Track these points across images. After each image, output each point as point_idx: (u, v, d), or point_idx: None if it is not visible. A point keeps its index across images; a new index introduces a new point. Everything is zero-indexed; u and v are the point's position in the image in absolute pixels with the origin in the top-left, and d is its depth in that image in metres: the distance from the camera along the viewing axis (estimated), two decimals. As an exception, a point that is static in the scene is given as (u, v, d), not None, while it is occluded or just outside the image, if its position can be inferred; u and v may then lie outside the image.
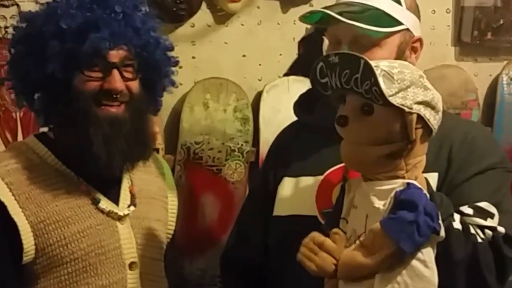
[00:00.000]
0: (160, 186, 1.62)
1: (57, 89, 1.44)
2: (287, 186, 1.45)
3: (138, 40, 1.44)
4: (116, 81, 1.41)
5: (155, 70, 1.51)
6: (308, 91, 1.57)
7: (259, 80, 2.26)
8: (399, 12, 1.39)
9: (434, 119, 1.18)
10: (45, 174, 1.45)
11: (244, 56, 2.25)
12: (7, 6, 2.08)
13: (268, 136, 2.06)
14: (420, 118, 1.16)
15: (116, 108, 1.43)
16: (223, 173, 2.18)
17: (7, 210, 1.39)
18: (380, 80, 1.12)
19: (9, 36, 2.07)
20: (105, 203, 1.47)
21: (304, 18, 1.43)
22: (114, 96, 1.42)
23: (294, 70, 2.25)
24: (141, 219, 1.52)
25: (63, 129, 1.48)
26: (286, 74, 2.25)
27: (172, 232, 1.62)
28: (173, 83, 1.58)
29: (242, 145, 2.19)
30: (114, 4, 1.42)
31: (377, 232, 1.12)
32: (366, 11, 1.36)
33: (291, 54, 2.26)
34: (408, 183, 1.15)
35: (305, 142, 1.48)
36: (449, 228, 1.18)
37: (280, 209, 1.45)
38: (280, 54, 2.26)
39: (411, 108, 1.14)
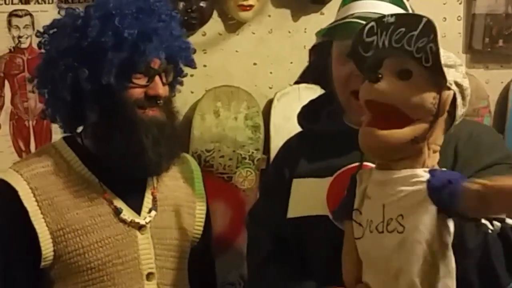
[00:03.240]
0: (188, 191, 1.61)
1: (103, 98, 1.43)
2: (296, 187, 1.46)
3: (174, 47, 1.48)
4: (159, 87, 1.45)
5: (178, 74, 1.56)
6: (310, 102, 1.58)
7: (270, 88, 2.26)
8: None
9: (461, 109, 1.18)
10: (70, 180, 1.46)
11: (255, 64, 2.26)
12: (20, 16, 2.10)
13: (279, 144, 2.06)
14: (452, 100, 1.16)
15: (154, 111, 1.45)
16: (234, 180, 2.19)
17: (28, 216, 1.41)
18: (438, 38, 1.11)
19: (23, 46, 2.10)
20: (127, 213, 1.47)
21: (325, 31, 1.43)
22: (158, 101, 1.45)
23: (305, 78, 2.24)
24: (162, 228, 1.52)
25: (104, 137, 1.46)
26: (296, 82, 2.25)
27: (198, 237, 1.61)
28: (180, 83, 1.61)
29: (253, 152, 2.19)
30: (160, 13, 1.45)
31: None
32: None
33: (302, 62, 2.24)
34: (430, 170, 1.15)
35: (313, 148, 1.48)
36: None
37: (292, 211, 1.45)
38: (291, 62, 2.26)
39: (450, 84, 1.15)
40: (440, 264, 1.13)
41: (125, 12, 1.42)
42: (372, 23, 1.19)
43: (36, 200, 1.42)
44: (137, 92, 1.44)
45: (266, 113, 2.22)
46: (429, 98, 1.14)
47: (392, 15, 1.18)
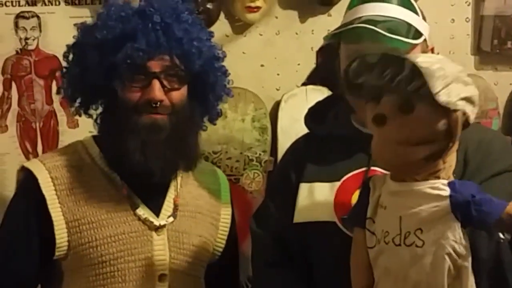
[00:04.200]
0: (213, 202, 1.60)
1: (103, 98, 1.49)
2: (303, 192, 1.44)
3: (179, 49, 1.44)
4: (155, 90, 1.42)
5: (201, 79, 1.51)
6: (317, 103, 1.57)
7: (277, 89, 2.26)
8: (418, 23, 1.38)
9: (473, 114, 1.15)
10: (92, 175, 1.49)
11: (262, 65, 2.26)
12: (27, 18, 2.11)
13: (286, 146, 2.04)
14: (462, 115, 1.13)
15: (158, 115, 1.44)
16: (241, 182, 2.18)
17: (46, 204, 1.43)
18: (428, 80, 1.08)
19: (30, 47, 2.11)
20: (143, 210, 1.47)
21: (334, 36, 1.41)
22: (154, 105, 1.43)
23: (312, 79, 2.25)
24: (181, 232, 1.51)
25: (106, 136, 1.51)
26: (304, 84, 2.25)
27: (220, 250, 1.60)
28: (228, 93, 1.58)
29: (260, 154, 2.19)
30: (153, 14, 1.42)
31: None
32: (396, 24, 1.34)
33: (309, 63, 2.25)
34: (449, 182, 1.14)
35: (319, 151, 1.47)
36: None
37: (299, 216, 1.44)
38: (298, 64, 2.26)
39: (456, 105, 1.11)
40: (463, 277, 1.13)
41: (111, 14, 1.44)
42: (356, 63, 1.16)
43: (55, 189, 1.45)
44: (133, 95, 1.44)
45: (274, 115, 2.22)
46: (438, 126, 1.11)
47: (374, 54, 1.14)
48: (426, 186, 1.14)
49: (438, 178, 1.15)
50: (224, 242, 1.61)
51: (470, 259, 1.14)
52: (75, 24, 1.53)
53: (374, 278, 1.21)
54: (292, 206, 1.44)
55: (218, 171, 1.72)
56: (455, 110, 1.11)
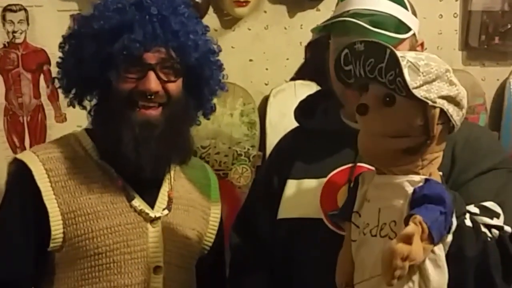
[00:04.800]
0: (204, 197, 1.62)
1: (98, 89, 1.49)
2: (290, 188, 1.44)
3: (175, 42, 1.44)
4: (151, 81, 1.43)
5: (196, 73, 1.52)
6: (308, 97, 1.57)
7: (266, 84, 2.26)
8: (407, 17, 1.38)
9: (457, 115, 1.16)
10: (86, 166, 1.49)
11: (251, 60, 2.25)
12: (15, 11, 2.09)
13: (274, 141, 2.05)
14: (442, 113, 1.13)
15: (152, 110, 1.45)
16: (229, 177, 2.18)
17: (41, 196, 1.43)
18: (405, 72, 1.09)
19: (18, 41, 2.10)
20: (138, 202, 1.48)
21: (321, 29, 1.41)
22: (149, 96, 1.43)
23: (301, 74, 2.25)
24: (175, 225, 1.52)
25: (99, 127, 1.51)
26: (293, 79, 2.25)
27: (209, 244, 1.61)
28: (222, 87, 1.59)
29: (248, 149, 2.19)
30: (150, 6, 1.43)
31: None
32: (383, 18, 1.34)
33: (298, 58, 2.26)
34: (427, 179, 1.14)
35: (307, 146, 1.47)
36: (462, 225, 1.17)
37: (284, 212, 1.44)
38: (287, 59, 2.26)
39: (434, 102, 1.12)
40: (428, 275, 1.12)
41: (108, 5, 1.44)
42: (346, 50, 1.17)
43: (50, 181, 1.45)
44: (127, 86, 1.44)
45: (262, 110, 2.22)
46: (416, 121, 1.13)
47: (361, 41, 1.14)
48: (404, 180, 1.15)
49: (418, 173, 1.15)
50: (213, 238, 1.63)
51: (441, 257, 1.12)
52: (71, 15, 1.53)
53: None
54: (275, 204, 1.45)
55: (207, 166, 1.74)
56: (433, 107, 1.12)
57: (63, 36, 1.54)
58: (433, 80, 1.12)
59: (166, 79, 1.45)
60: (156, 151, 1.46)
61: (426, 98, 1.11)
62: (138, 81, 1.44)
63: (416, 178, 1.15)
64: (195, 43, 1.48)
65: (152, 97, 1.44)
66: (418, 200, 1.11)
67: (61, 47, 1.53)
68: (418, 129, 1.13)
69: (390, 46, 1.11)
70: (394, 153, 1.14)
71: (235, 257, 1.56)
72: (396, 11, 1.37)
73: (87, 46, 1.44)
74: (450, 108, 1.14)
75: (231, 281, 1.57)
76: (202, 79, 1.54)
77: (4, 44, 2.10)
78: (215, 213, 1.64)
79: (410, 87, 1.09)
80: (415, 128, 1.13)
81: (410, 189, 1.13)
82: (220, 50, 1.58)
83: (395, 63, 1.09)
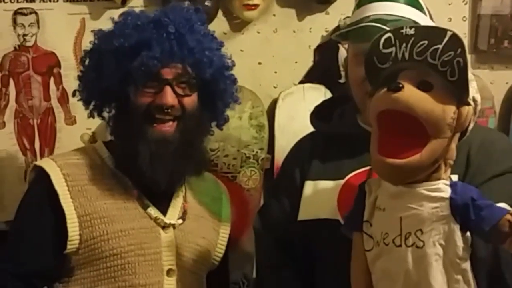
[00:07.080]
0: (215, 210, 1.68)
1: (117, 102, 1.55)
2: (308, 189, 1.45)
3: (191, 58, 1.50)
4: (168, 96, 1.49)
5: (211, 87, 1.57)
6: (324, 102, 1.58)
7: (275, 87, 2.26)
8: (427, 22, 1.39)
9: (473, 121, 1.18)
10: (102, 174, 1.54)
11: (259, 63, 2.26)
12: (25, 14, 2.11)
13: (283, 144, 2.06)
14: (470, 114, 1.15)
15: (167, 127, 1.50)
16: (238, 180, 2.18)
17: (58, 198, 1.48)
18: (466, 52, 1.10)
19: (28, 44, 2.11)
20: (153, 210, 1.53)
21: (344, 35, 1.42)
22: (166, 110, 1.49)
23: (310, 77, 2.25)
24: (186, 232, 1.57)
25: (117, 141, 1.57)
26: (301, 82, 2.25)
27: (219, 257, 1.67)
28: (236, 100, 1.65)
29: (257, 152, 2.19)
30: (168, 25, 1.48)
31: None
32: (406, 23, 1.32)
33: (307, 61, 2.26)
34: (454, 183, 1.15)
35: (325, 149, 1.48)
36: None
37: (302, 214, 1.45)
38: (296, 62, 2.26)
39: (470, 100, 1.13)
40: (462, 277, 1.13)
41: (128, 22, 1.50)
42: (389, 34, 1.17)
43: (67, 185, 1.50)
44: (145, 100, 1.49)
45: (271, 113, 2.22)
46: (450, 112, 1.12)
47: (411, 27, 1.15)
48: (427, 187, 1.14)
49: (439, 179, 1.15)
50: (223, 249, 1.69)
51: (468, 262, 1.14)
52: (92, 31, 1.59)
53: (373, 282, 1.21)
54: (296, 205, 1.45)
55: (219, 181, 1.80)
56: (468, 103, 1.13)
57: (84, 50, 1.60)
58: (472, 80, 1.15)
59: (182, 94, 1.51)
60: (171, 166, 1.51)
61: (468, 92, 1.12)
62: (155, 95, 1.49)
63: (439, 184, 1.14)
64: (210, 59, 1.53)
65: (169, 110, 1.49)
66: (462, 204, 1.11)
67: (82, 61, 1.59)
68: (449, 122, 1.12)
69: (451, 29, 1.12)
70: (419, 170, 1.13)
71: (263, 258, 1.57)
72: (417, 16, 1.38)
73: (107, 61, 1.50)
74: (475, 109, 1.17)
75: (258, 271, 1.59)
76: (216, 93, 1.60)
77: (15, 47, 2.12)
78: (225, 229, 1.70)
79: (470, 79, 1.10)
80: (447, 119, 1.12)
81: (445, 194, 1.13)
82: (234, 65, 1.63)
83: (456, 44, 1.10)
